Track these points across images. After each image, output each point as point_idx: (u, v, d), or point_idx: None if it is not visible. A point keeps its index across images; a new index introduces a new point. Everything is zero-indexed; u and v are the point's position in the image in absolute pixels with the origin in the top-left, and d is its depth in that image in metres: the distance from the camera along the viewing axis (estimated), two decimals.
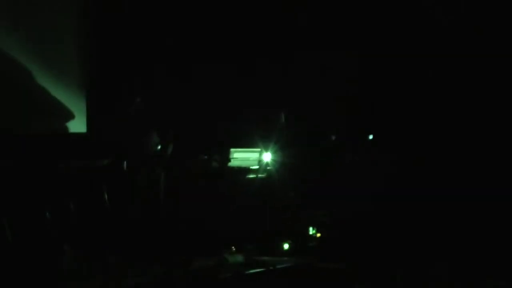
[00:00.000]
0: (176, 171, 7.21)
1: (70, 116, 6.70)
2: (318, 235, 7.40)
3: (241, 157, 7.90)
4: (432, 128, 6.80)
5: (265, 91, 7.20)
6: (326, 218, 7.36)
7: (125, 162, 6.60)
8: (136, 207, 6.53)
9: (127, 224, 6.34)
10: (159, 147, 7.10)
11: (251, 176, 7.85)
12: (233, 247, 6.83)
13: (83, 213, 6.03)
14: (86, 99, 6.64)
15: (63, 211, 5.79)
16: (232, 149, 7.90)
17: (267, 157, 7.83)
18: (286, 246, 7.24)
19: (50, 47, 6.30)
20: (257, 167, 7.82)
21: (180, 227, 6.70)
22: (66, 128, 6.62)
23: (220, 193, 7.34)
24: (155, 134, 7.16)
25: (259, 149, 7.91)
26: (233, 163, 7.81)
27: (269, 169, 7.65)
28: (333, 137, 7.78)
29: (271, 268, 6.25)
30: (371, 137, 7.52)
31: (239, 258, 6.64)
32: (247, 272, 6.02)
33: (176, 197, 7.01)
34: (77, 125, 6.73)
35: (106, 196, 6.17)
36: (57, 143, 6.27)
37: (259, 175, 7.84)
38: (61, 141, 6.39)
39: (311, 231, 7.42)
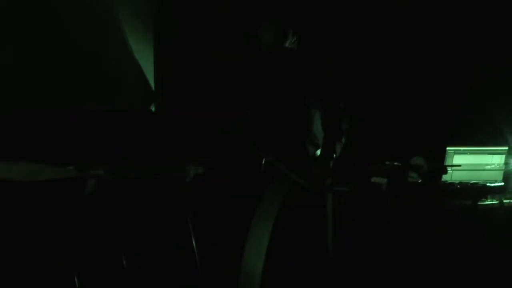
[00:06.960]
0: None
1: None
2: None
3: (468, 162, 4.29)
4: None
5: None
6: None
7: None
8: None
9: None
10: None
11: (489, 201, 4.15)
12: None
13: None
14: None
15: None
16: (450, 149, 4.31)
17: None
18: None
19: None
20: (500, 183, 4.24)
21: None
22: None
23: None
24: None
25: (505, 148, 4.32)
26: (451, 175, 4.27)
27: None
28: None
29: None
30: None
31: None
32: None
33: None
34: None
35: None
36: None
37: (504, 200, 4.14)
38: None
39: None
